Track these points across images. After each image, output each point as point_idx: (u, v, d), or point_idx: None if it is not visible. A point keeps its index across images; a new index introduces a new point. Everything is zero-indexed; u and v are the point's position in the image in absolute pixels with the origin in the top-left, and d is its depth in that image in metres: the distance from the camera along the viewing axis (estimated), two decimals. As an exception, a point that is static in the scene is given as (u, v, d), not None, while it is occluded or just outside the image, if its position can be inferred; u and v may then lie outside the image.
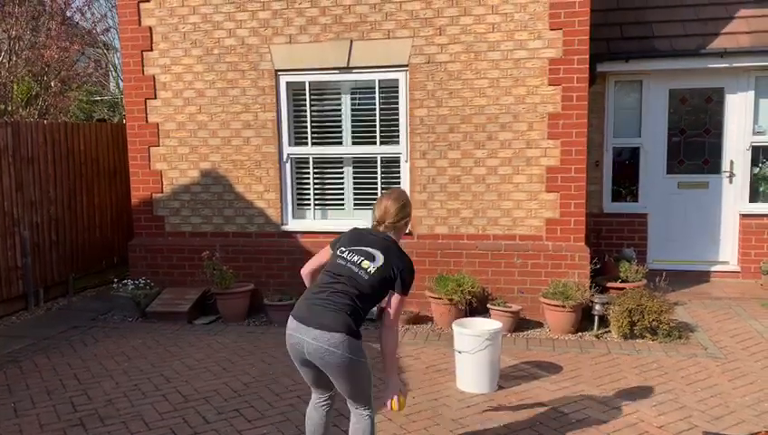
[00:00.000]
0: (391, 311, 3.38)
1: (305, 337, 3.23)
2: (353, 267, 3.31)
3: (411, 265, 3.38)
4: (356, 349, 3.26)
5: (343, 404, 3.68)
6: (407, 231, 3.56)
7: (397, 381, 3.50)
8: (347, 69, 6.99)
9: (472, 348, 4.86)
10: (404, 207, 3.49)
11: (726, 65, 7.59)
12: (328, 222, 7.35)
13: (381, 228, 3.45)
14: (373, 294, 3.32)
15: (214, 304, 7.13)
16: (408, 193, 3.60)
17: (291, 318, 3.34)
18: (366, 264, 3.31)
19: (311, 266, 3.62)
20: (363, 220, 7.19)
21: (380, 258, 3.31)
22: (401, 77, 6.93)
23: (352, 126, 7.19)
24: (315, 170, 7.34)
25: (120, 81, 13.16)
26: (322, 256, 3.57)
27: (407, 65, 6.85)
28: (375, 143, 7.12)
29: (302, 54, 7.03)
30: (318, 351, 3.21)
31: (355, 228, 3.57)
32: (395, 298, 3.36)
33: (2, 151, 7.23)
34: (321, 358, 3.22)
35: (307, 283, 3.61)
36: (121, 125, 9.19)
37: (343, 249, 3.41)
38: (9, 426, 4.53)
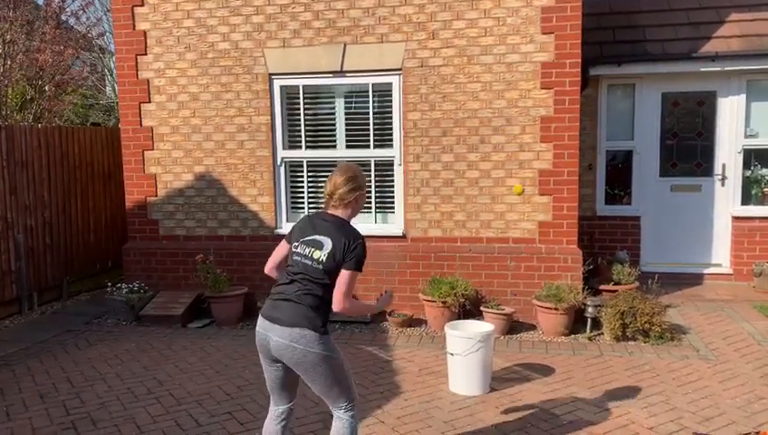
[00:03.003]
0: (337, 289, 3.18)
1: (271, 334, 3.22)
2: (306, 261, 3.25)
3: (359, 239, 3.24)
4: (321, 343, 3.17)
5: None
6: (359, 208, 3.41)
7: (378, 304, 3.56)
8: (340, 73, 7.02)
9: (464, 350, 4.88)
10: (352, 179, 3.32)
11: (718, 69, 7.63)
12: (322, 225, 7.35)
13: (332, 205, 3.35)
14: (333, 282, 3.22)
15: (208, 308, 7.13)
16: (359, 170, 3.40)
17: (260, 316, 3.33)
18: (317, 254, 3.23)
19: (271, 263, 3.56)
20: (358, 224, 7.20)
21: (328, 243, 3.22)
22: (395, 81, 6.96)
23: (346, 129, 7.22)
24: (309, 174, 7.36)
25: (115, 85, 13.15)
26: (281, 250, 3.50)
27: (400, 69, 6.88)
28: (369, 147, 7.14)
29: (295, 58, 7.06)
30: (281, 347, 3.19)
31: (306, 216, 3.51)
32: (342, 274, 3.18)
33: (-4, 155, 7.25)
34: (283, 355, 3.21)
35: (276, 277, 3.53)
36: (116, 129, 9.20)
37: (296, 243, 3.34)
38: (1, 430, 4.52)
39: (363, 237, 3.28)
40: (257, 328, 3.33)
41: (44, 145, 7.97)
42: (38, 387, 5.29)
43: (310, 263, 3.24)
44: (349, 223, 3.35)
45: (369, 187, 7.18)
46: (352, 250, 3.20)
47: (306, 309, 3.19)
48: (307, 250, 3.27)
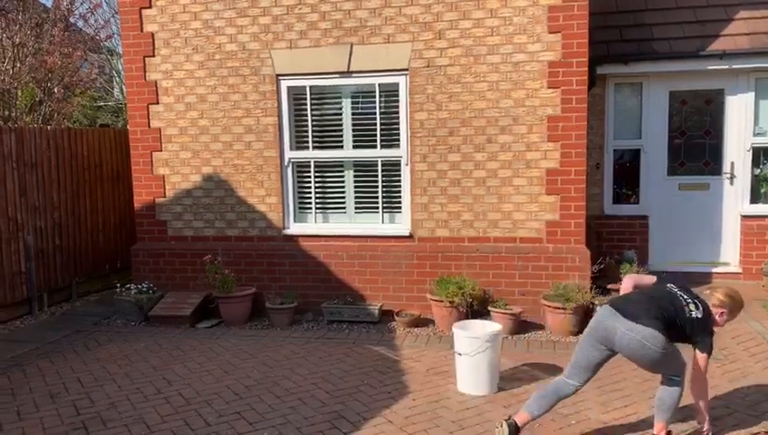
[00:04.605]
0: (695, 369, 4.01)
1: (619, 325, 3.89)
2: (682, 301, 3.97)
3: (712, 335, 3.97)
4: (665, 344, 3.84)
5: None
6: (716, 319, 4.05)
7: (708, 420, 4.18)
8: (347, 73, 7.03)
9: (472, 350, 4.88)
10: (727, 296, 4.04)
11: (726, 67, 7.59)
12: (329, 226, 7.38)
13: (708, 296, 4.09)
14: (683, 330, 3.92)
15: (216, 308, 7.16)
16: (738, 301, 4.09)
17: (607, 306, 4.05)
18: (692, 306, 3.96)
19: (635, 281, 4.29)
20: (365, 224, 7.24)
21: (700, 313, 3.95)
22: (401, 81, 6.97)
23: (353, 130, 7.23)
24: (316, 174, 7.38)
25: (123, 86, 13.20)
26: (647, 280, 4.30)
27: (407, 69, 6.89)
28: (375, 147, 7.15)
29: (302, 59, 7.08)
30: (626, 339, 3.87)
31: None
32: (698, 355, 3.95)
33: (6, 157, 7.29)
34: (628, 347, 3.89)
35: (624, 291, 4.25)
36: (124, 130, 9.25)
37: (673, 286, 4.09)
38: (13, 429, 4.56)
39: (714, 334, 4.01)
40: (600, 316, 4.04)
41: (53, 147, 8.02)
42: (49, 387, 5.34)
43: (684, 304, 3.96)
44: (710, 319, 4.01)
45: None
46: (707, 336, 3.93)
47: (658, 321, 3.86)
48: (687, 296, 4.01)
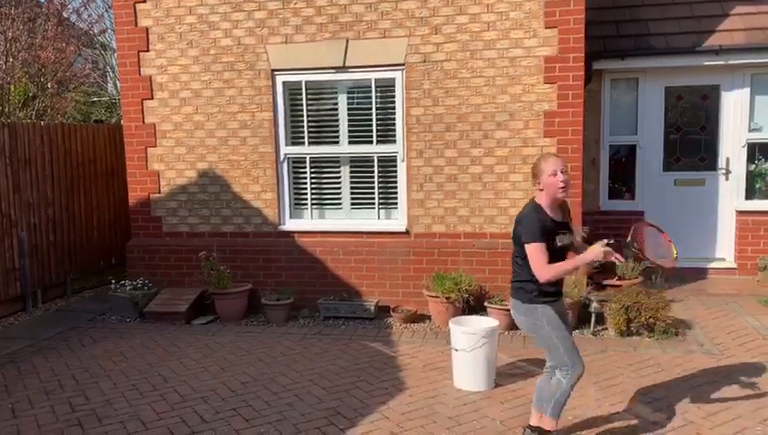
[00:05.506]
0: (533, 264, 3.63)
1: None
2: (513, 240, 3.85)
3: (522, 214, 3.75)
4: (525, 310, 3.80)
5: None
6: (540, 188, 3.74)
7: (584, 257, 3.67)
8: (343, 68, 7.00)
9: (468, 346, 4.88)
10: (533, 167, 3.81)
11: (722, 63, 7.60)
12: (325, 222, 7.36)
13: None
14: (520, 256, 3.75)
15: (212, 305, 7.14)
16: (540, 159, 3.80)
17: None
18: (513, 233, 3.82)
19: None
20: (361, 219, 7.23)
21: (520, 226, 3.75)
22: (397, 76, 6.95)
23: (349, 125, 7.20)
24: (312, 170, 7.35)
25: (117, 81, 13.13)
26: None
27: (403, 64, 6.86)
28: (372, 142, 7.13)
29: (298, 54, 7.04)
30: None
31: None
32: (528, 251, 3.64)
33: (-1, 153, 7.25)
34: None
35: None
36: (119, 126, 9.20)
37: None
38: (7, 427, 4.54)
39: (530, 213, 3.70)
40: None
41: (47, 142, 7.97)
42: (43, 384, 5.31)
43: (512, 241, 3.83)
44: (529, 203, 3.81)
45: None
46: (522, 226, 3.69)
47: (515, 282, 3.84)
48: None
